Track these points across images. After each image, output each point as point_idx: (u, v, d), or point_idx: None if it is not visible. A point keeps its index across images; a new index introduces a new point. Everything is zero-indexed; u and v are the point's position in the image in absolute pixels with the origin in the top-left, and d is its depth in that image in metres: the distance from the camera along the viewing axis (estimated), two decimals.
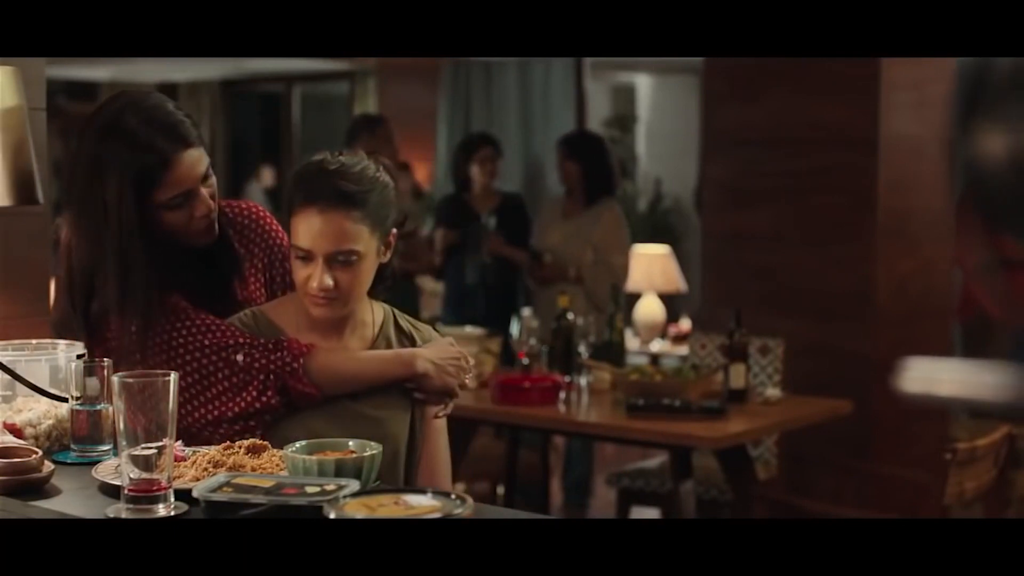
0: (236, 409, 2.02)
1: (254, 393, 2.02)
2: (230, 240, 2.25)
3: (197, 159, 2.10)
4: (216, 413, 2.03)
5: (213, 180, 2.15)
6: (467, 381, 2.16)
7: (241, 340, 2.05)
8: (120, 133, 2.06)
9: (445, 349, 2.14)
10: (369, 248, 2.02)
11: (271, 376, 2.02)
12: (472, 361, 2.17)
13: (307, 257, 2.00)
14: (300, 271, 2.02)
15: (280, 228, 2.31)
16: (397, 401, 2.10)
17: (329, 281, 1.99)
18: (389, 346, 2.14)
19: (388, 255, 2.09)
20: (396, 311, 2.21)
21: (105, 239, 2.06)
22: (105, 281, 2.06)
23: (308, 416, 2.03)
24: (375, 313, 2.17)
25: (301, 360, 2.02)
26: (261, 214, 2.33)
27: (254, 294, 2.26)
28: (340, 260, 1.99)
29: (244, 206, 2.33)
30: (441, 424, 2.17)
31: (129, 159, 2.04)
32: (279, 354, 2.03)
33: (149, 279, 2.06)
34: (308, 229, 1.99)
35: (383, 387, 2.08)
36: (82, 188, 2.09)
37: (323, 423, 2.01)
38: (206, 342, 2.05)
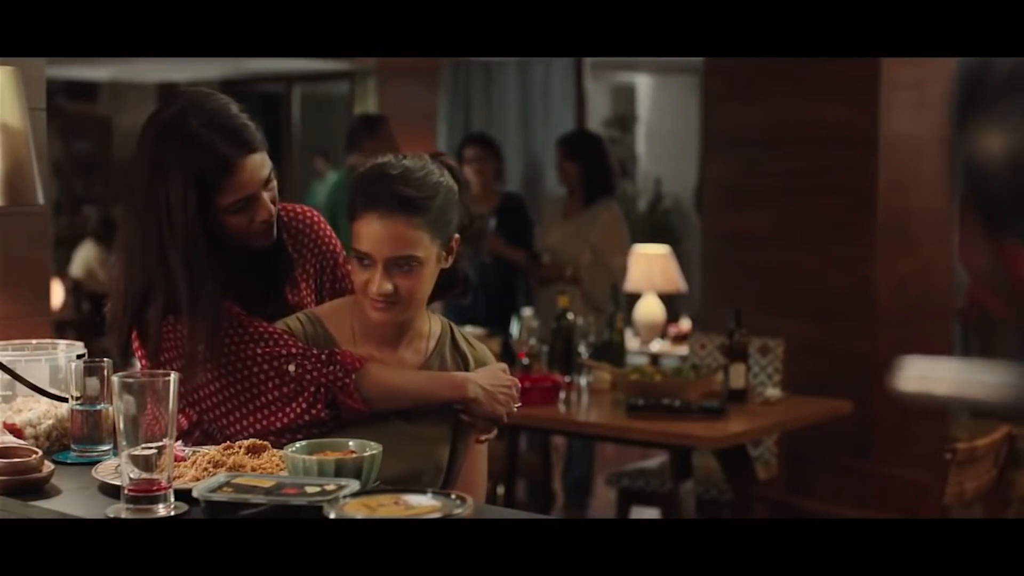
0: (284, 420, 1.99)
1: (304, 405, 1.99)
2: (284, 244, 2.21)
3: (260, 163, 2.06)
4: (264, 423, 1.99)
5: (274, 184, 2.10)
6: (515, 409, 2.12)
7: (294, 350, 2.01)
8: (181, 135, 2.00)
9: (497, 376, 2.10)
10: (429, 254, 1.98)
11: (322, 389, 1.99)
12: (520, 387, 2.14)
13: (367, 261, 1.97)
14: (360, 275, 1.99)
15: (332, 234, 2.27)
16: (443, 422, 2.07)
17: (388, 286, 1.96)
18: (443, 365, 2.11)
19: (450, 260, 2.05)
20: (454, 326, 2.18)
21: (167, 243, 2.00)
22: (169, 286, 2.00)
23: (353, 431, 1.96)
24: (432, 325, 2.13)
25: (353, 376, 1.99)
26: (316, 219, 2.29)
27: (305, 299, 2.22)
28: (400, 265, 1.96)
29: (299, 210, 2.29)
30: (482, 449, 2.16)
31: (190, 161, 1.99)
32: (331, 368, 1.99)
33: (214, 284, 2.01)
34: (369, 234, 1.95)
35: (431, 407, 2.05)
36: (143, 191, 2.03)
37: (368, 439, 1.95)
38: (258, 351, 2.01)
